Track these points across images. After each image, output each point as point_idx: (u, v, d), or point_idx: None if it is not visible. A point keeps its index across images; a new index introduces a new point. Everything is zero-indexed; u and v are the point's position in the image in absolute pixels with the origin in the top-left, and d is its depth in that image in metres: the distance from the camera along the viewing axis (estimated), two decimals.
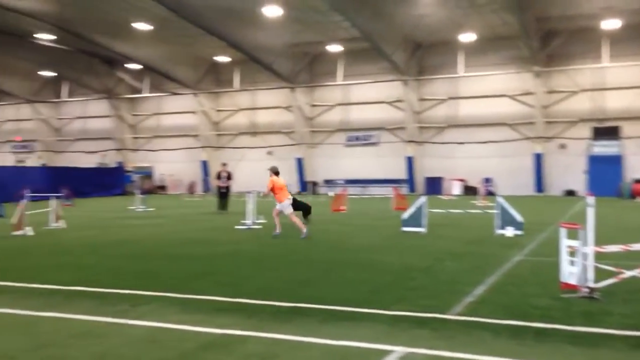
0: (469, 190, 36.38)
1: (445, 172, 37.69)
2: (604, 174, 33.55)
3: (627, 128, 34.17)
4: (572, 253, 7.02)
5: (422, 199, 14.51)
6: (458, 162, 37.73)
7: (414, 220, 14.35)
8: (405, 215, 14.72)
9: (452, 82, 38.17)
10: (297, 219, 13.93)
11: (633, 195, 29.98)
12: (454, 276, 8.47)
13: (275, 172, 14.15)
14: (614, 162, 34.00)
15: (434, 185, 37.75)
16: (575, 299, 6.78)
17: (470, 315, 6.14)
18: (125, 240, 13.53)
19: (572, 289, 6.96)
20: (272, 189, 13.95)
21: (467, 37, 34.54)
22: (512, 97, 36.56)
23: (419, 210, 14.36)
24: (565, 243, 7.12)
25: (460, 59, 36.00)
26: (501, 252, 10.84)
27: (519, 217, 13.43)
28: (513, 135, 36.61)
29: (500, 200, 13.86)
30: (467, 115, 37.80)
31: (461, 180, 37.30)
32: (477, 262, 9.71)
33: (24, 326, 5.97)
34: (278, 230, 13.68)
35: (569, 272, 7.03)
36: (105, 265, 9.86)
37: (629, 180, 32.34)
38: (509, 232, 13.30)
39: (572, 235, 7.08)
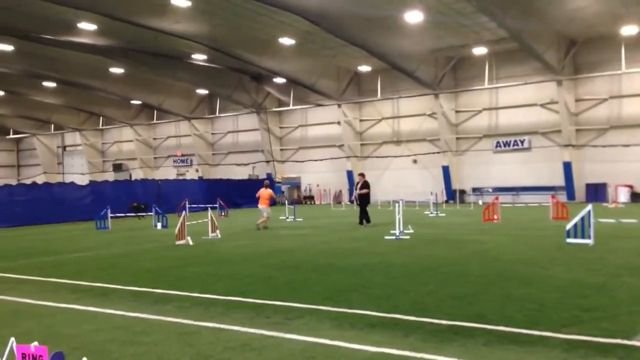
0: (639, 197, 32.98)
1: (609, 178, 34.58)
2: None
3: None
4: None
5: (588, 207, 13.21)
6: (624, 166, 34.40)
7: (579, 230, 13.11)
8: (569, 225, 13.49)
9: (614, 80, 35.02)
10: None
11: None
12: (635, 295, 7.48)
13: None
14: None
15: (597, 192, 34.76)
16: None
17: None
18: (277, 250, 13.80)
19: None
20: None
21: (629, 29, 31.49)
22: None
23: (584, 219, 13.10)
24: None
25: (622, 54, 32.94)
26: None
27: None
28: None
29: None
30: (632, 115, 34.42)
31: (629, 186, 33.95)
32: None
33: (185, 336, 6.11)
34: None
35: None
36: (260, 275, 10.03)
37: None
38: None
39: None
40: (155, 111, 54.58)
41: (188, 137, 54.50)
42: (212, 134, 54.59)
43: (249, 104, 48.18)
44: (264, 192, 20.67)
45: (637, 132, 34.08)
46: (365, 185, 20.84)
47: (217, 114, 51.59)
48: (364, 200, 20.75)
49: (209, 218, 17.87)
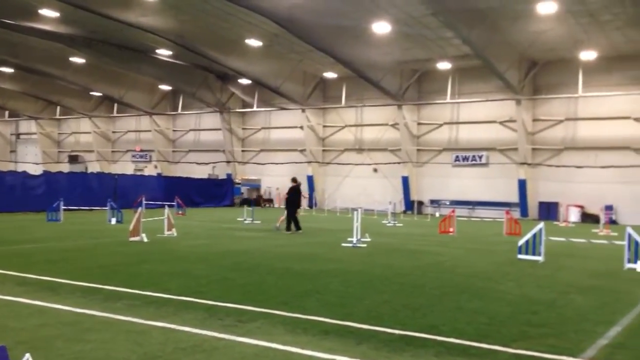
0: (588, 218, 33.98)
1: (561, 197, 35.52)
2: None
3: None
4: None
5: (540, 225, 13.55)
6: (576, 187, 35.42)
7: (531, 247, 13.43)
8: (521, 241, 13.80)
9: (570, 103, 36.04)
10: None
11: None
12: (582, 313, 7.68)
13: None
14: None
15: (549, 211, 35.63)
16: None
17: None
18: (233, 252, 13.70)
19: None
20: None
21: (588, 55, 32.50)
22: (637, 119, 33.92)
23: (536, 236, 13.42)
24: None
25: (580, 78, 33.94)
26: (635, 289, 9.79)
27: None
28: (639, 161, 33.88)
29: (630, 230, 12.63)
30: (586, 138, 35.48)
31: (579, 206, 34.97)
32: (606, 299, 8.80)
33: (134, 335, 5.98)
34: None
35: None
36: (215, 276, 9.93)
37: None
38: None
39: None
40: (115, 104, 53.53)
41: (148, 132, 53.64)
42: (174, 130, 53.86)
43: (212, 102, 47.76)
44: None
45: (590, 154, 35.13)
46: (293, 190, 20.24)
47: (179, 111, 50.98)
48: (290, 205, 20.14)
49: (166, 216, 17.61)
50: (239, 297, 8.01)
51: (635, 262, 12.26)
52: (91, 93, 51.74)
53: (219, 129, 49.21)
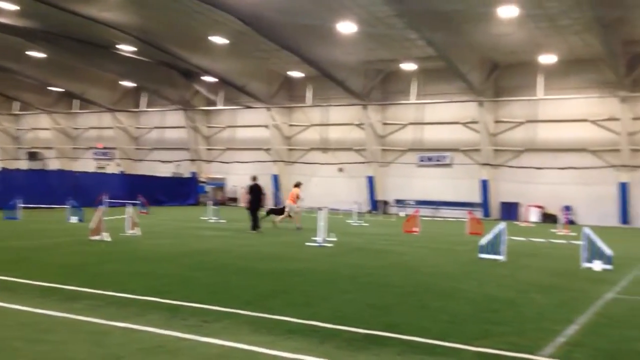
0: (548, 218, 34.80)
1: (522, 198, 36.29)
2: None
3: None
4: None
5: (501, 225, 13.82)
6: (536, 188, 36.23)
7: (492, 247, 13.68)
8: (483, 241, 14.04)
9: (531, 105, 36.83)
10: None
11: None
12: (541, 311, 7.86)
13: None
14: None
15: (510, 211, 36.38)
16: None
17: (564, 359, 5.59)
18: (198, 251, 13.58)
19: None
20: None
21: (548, 58, 33.27)
22: (594, 122, 34.84)
23: (497, 236, 13.68)
24: None
25: (540, 81, 34.68)
26: (591, 287, 10.06)
27: (608, 250, 12.51)
28: (596, 163, 34.83)
29: (587, 230, 12.97)
30: (546, 140, 36.32)
31: (539, 207, 35.77)
32: (564, 297, 9.02)
33: (95, 335, 5.89)
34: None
35: None
36: (179, 276, 9.83)
37: None
38: (597, 266, 12.41)
39: None
40: (76, 100, 52.37)
41: (110, 129, 52.68)
42: (137, 128, 53.04)
43: (176, 100, 47.22)
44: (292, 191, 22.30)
45: (549, 155, 35.97)
46: (253, 189, 20.13)
47: (143, 108, 50.20)
48: (251, 205, 20.00)
49: (129, 214, 17.34)
50: (203, 297, 7.94)
51: (591, 261, 12.61)
52: (51, 88, 50.54)
53: (184, 127, 48.69)
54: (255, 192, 20.20)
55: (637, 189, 33.73)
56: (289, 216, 22.34)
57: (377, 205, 39.55)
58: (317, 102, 42.47)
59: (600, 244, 12.58)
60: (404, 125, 41.15)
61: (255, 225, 19.81)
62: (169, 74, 44.28)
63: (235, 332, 6.20)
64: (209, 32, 32.47)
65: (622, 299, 9.13)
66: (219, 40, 33.44)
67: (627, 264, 13.65)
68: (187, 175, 47.62)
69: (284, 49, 33.62)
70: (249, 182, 20.65)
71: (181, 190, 43.30)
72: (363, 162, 41.82)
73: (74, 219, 22.05)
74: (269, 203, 43.75)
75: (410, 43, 32.71)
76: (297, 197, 21.90)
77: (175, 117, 49.65)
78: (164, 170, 48.05)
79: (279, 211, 23.58)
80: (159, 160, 50.38)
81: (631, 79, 32.61)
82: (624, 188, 33.64)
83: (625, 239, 23.27)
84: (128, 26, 31.94)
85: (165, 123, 51.09)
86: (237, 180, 46.19)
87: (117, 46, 36.50)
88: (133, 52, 37.79)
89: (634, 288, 10.35)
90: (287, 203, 22.38)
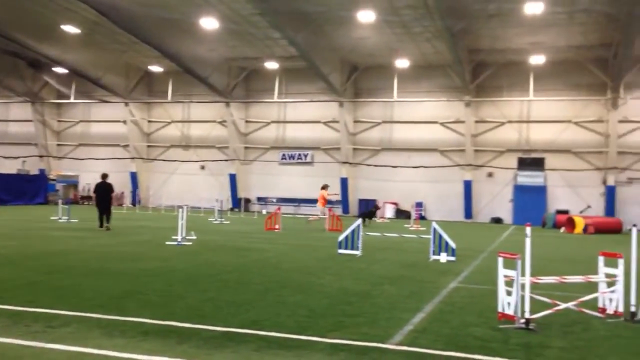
0: (402, 214, 36.83)
1: (378, 195, 38.03)
2: (529, 203, 34.84)
3: (550, 160, 35.60)
4: (509, 283, 7.01)
5: (358, 222, 14.42)
6: (391, 185, 38.18)
7: (350, 242, 14.23)
8: (341, 237, 14.56)
9: (387, 106, 38.71)
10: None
11: (556, 225, 30.81)
12: (392, 302, 8.32)
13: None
14: (538, 193, 35.30)
15: (368, 207, 37.87)
16: (513, 329, 6.74)
17: (411, 346, 5.97)
18: (46, 253, 12.69)
19: (509, 319, 6.94)
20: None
21: (402, 63, 35.21)
22: (443, 124, 37.43)
23: (354, 232, 14.25)
24: (502, 272, 7.11)
25: (395, 84, 36.60)
26: (437, 278, 10.82)
27: (452, 244, 13.53)
28: (444, 162, 37.44)
29: (435, 225, 13.94)
30: (400, 140, 38.38)
31: (394, 203, 37.72)
32: (414, 288, 9.62)
33: None
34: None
35: (507, 302, 7.02)
36: (23, 280, 9.14)
37: (552, 211, 33.52)
38: (443, 258, 13.38)
39: (508, 264, 7.09)
40: None
41: None
42: None
43: (22, 92, 43.71)
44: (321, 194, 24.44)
45: (404, 155, 38.07)
46: (99, 187, 19.87)
47: None
48: (97, 203, 19.77)
49: None
50: (50, 302, 7.46)
51: (439, 253, 13.56)
52: None
53: (31, 121, 45.18)
54: (102, 190, 19.69)
55: (480, 186, 36.74)
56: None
57: (239, 203, 39.44)
58: (178, 98, 41.44)
59: (446, 237, 13.57)
60: (267, 124, 41.42)
61: (101, 224, 19.49)
62: (14, 63, 40.94)
63: (84, 336, 5.90)
64: (60, 21, 30.44)
65: (463, 288, 9.92)
66: (71, 29, 31.50)
67: (469, 255, 14.85)
68: (34, 172, 44.21)
69: (143, 42, 32.43)
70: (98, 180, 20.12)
71: (28, 189, 40.12)
72: (226, 160, 41.50)
73: None
74: (126, 202, 42.04)
75: (273, 42, 33.02)
76: (325, 200, 24.50)
77: (20, 109, 45.90)
78: (9, 167, 44.22)
79: (371, 214, 27.32)
80: (1, 156, 46.29)
81: (475, 85, 35.45)
82: (468, 186, 36.47)
83: (469, 232, 25.29)
84: None
85: (9, 116, 47.09)
86: (92, 177, 43.71)
87: None
88: None
89: (473, 277, 11.28)
90: (318, 206, 25.01)
